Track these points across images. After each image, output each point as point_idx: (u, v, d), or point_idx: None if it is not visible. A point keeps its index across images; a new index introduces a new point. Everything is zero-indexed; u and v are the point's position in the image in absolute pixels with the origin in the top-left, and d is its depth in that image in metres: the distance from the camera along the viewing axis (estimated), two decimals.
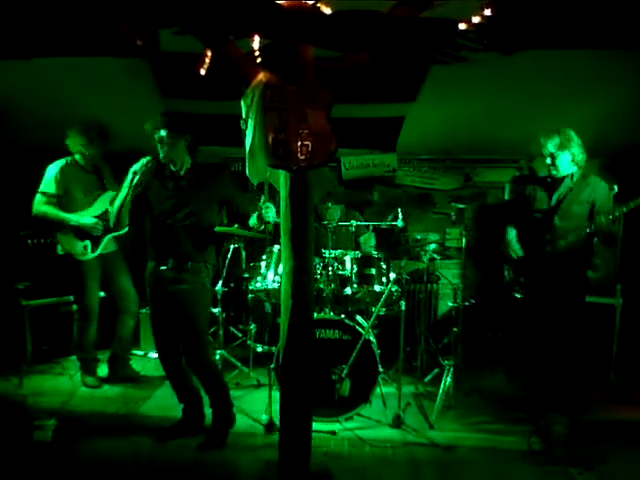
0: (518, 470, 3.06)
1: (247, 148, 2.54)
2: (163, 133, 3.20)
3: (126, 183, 3.26)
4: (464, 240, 4.27)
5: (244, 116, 2.56)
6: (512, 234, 3.90)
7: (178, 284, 3.25)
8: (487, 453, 3.28)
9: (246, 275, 4.65)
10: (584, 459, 3.11)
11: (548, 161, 3.60)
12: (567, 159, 3.57)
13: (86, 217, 4.09)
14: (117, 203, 3.35)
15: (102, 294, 4.50)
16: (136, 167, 3.25)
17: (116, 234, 4.20)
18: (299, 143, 2.46)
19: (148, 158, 3.26)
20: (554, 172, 3.62)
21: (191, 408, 3.50)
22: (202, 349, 3.38)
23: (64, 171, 4.08)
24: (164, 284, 3.28)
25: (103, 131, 4.13)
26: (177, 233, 3.27)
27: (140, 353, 5.27)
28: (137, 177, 3.23)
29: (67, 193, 4.08)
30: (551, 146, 3.56)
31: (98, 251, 4.16)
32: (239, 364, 4.60)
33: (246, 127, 2.54)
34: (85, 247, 4.11)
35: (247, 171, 2.63)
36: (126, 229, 3.95)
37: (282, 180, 2.60)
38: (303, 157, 2.46)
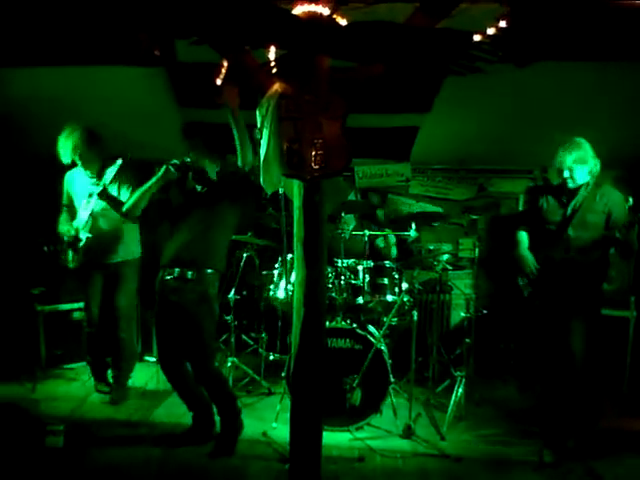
0: None
1: (261, 157, 2.57)
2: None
3: (159, 174, 3.30)
4: (477, 250, 4.27)
5: (259, 126, 2.59)
6: (524, 246, 3.85)
7: (181, 294, 3.27)
8: (498, 465, 3.26)
9: (259, 283, 4.66)
10: (596, 472, 3.08)
11: (566, 174, 3.57)
12: (585, 172, 3.54)
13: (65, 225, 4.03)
14: (142, 189, 3.37)
15: None
16: (174, 161, 3.29)
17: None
18: (313, 153, 2.47)
19: (187, 159, 3.31)
20: (571, 184, 3.59)
21: (201, 416, 3.51)
22: (206, 360, 3.39)
23: (67, 180, 4.07)
24: (167, 293, 3.32)
25: (93, 135, 3.90)
26: (190, 239, 3.30)
27: (152, 359, 5.29)
28: (170, 173, 3.29)
29: (70, 202, 4.08)
30: (570, 160, 3.54)
31: (77, 258, 4.01)
32: (251, 372, 4.60)
33: (261, 137, 2.56)
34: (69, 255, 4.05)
35: (261, 180, 2.65)
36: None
37: (296, 190, 2.61)
38: (317, 167, 2.48)
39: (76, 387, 4.22)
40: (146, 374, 4.89)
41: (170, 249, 3.36)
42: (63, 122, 3.76)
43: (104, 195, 3.79)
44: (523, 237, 3.85)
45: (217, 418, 3.51)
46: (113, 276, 4.11)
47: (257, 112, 2.61)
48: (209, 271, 3.31)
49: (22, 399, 4.11)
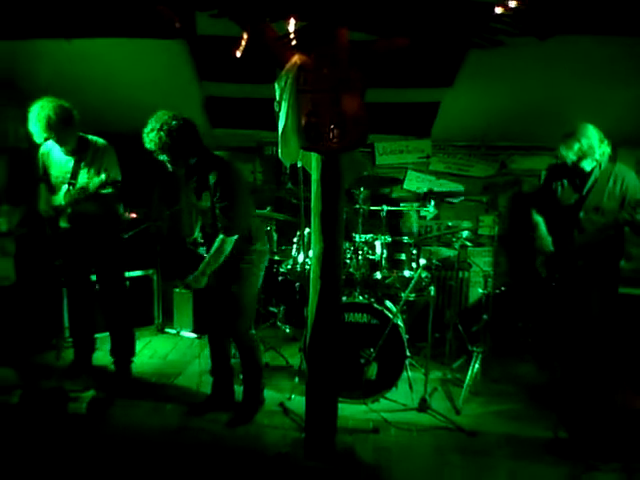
0: (543, 458, 3.05)
1: (280, 130, 2.58)
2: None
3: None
4: (497, 228, 4.24)
5: (277, 98, 2.60)
6: (542, 227, 3.86)
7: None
8: (512, 440, 3.28)
9: (277, 257, 4.70)
10: (610, 449, 3.08)
11: (572, 166, 3.58)
12: (591, 161, 3.57)
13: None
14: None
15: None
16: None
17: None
18: (331, 126, 2.48)
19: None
20: (581, 168, 3.60)
21: (221, 384, 3.60)
22: (242, 321, 3.42)
23: (43, 151, 3.81)
24: None
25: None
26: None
27: (173, 331, 5.39)
28: None
29: (47, 175, 3.86)
30: (572, 155, 3.56)
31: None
32: (269, 345, 4.67)
33: (279, 109, 2.57)
34: None
35: (279, 153, 2.66)
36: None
37: (314, 163, 2.63)
38: (335, 140, 2.49)
39: (99, 356, 4.30)
40: (167, 345, 5.01)
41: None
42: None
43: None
44: (539, 219, 3.86)
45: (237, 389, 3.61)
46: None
47: (276, 85, 2.61)
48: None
49: (46, 367, 4.23)
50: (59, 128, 3.47)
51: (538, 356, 4.77)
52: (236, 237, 3.19)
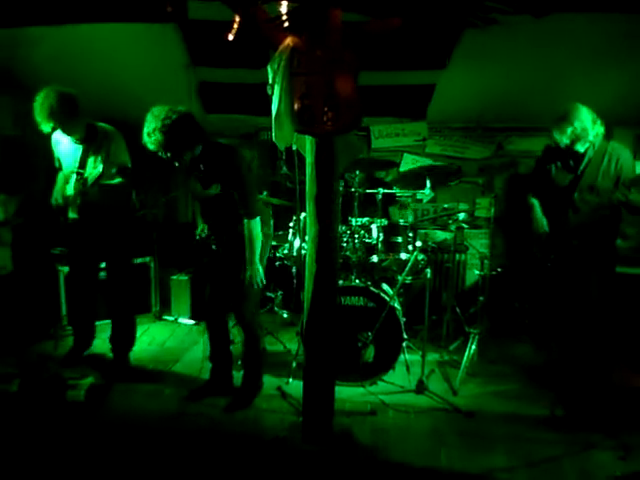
0: (540, 436, 3.07)
1: (273, 113, 2.56)
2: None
3: None
4: (493, 210, 4.24)
5: (270, 81, 2.57)
6: (537, 209, 3.86)
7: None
8: (509, 420, 3.30)
9: (273, 242, 4.68)
10: (607, 427, 3.11)
11: (565, 148, 3.57)
12: (584, 142, 3.54)
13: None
14: None
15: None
16: None
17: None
18: (325, 109, 2.47)
19: None
20: (575, 150, 3.59)
21: (220, 369, 3.62)
22: (249, 306, 3.45)
23: (54, 141, 3.79)
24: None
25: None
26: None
27: (171, 318, 5.40)
28: None
29: (61, 165, 3.85)
30: (565, 139, 3.53)
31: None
32: (266, 330, 4.68)
33: (272, 92, 2.55)
34: None
35: (273, 136, 2.65)
36: None
37: (308, 146, 2.61)
38: (329, 123, 2.47)
39: (97, 344, 4.31)
40: (165, 332, 5.02)
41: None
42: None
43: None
44: (534, 201, 3.87)
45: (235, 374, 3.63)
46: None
47: (269, 67, 2.59)
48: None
49: (45, 356, 4.24)
50: (63, 117, 3.43)
51: (535, 336, 4.80)
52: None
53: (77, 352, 4.13)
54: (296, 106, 2.49)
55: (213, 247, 3.39)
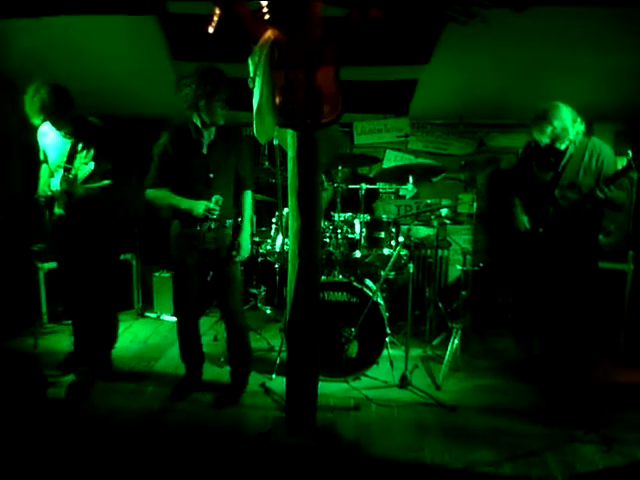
0: (523, 430, 3.08)
1: (254, 107, 2.54)
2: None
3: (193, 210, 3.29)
4: (475, 205, 4.25)
5: (251, 74, 2.55)
6: (518, 207, 3.88)
7: (220, 242, 3.39)
8: (492, 413, 3.31)
9: (256, 239, 4.67)
10: (589, 421, 3.13)
11: (546, 142, 3.59)
12: (565, 141, 3.57)
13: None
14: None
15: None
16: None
17: None
18: (307, 102, 2.45)
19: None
20: (556, 148, 3.61)
21: (194, 366, 3.63)
22: (241, 306, 3.57)
23: (40, 134, 3.68)
24: (205, 243, 3.37)
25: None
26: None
27: (153, 315, 5.37)
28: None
29: (46, 158, 3.74)
30: (545, 138, 3.55)
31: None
32: (250, 326, 4.65)
33: (253, 86, 2.53)
34: None
35: (254, 130, 2.63)
36: None
37: (289, 140, 2.60)
38: (311, 116, 2.46)
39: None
40: (148, 329, 4.98)
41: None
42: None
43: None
44: (516, 199, 3.90)
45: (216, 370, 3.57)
46: None
47: (249, 61, 2.57)
48: (230, 221, 3.43)
49: (24, 354, 4.18)
50: (53, 111, 3.38)
51: (517, 331, 4.83)
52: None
53: (77, 357, 3.93)
54: (277, 100, 2.47)
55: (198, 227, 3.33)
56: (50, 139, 3.63)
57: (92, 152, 3.55)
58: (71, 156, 3.55)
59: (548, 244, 3.67)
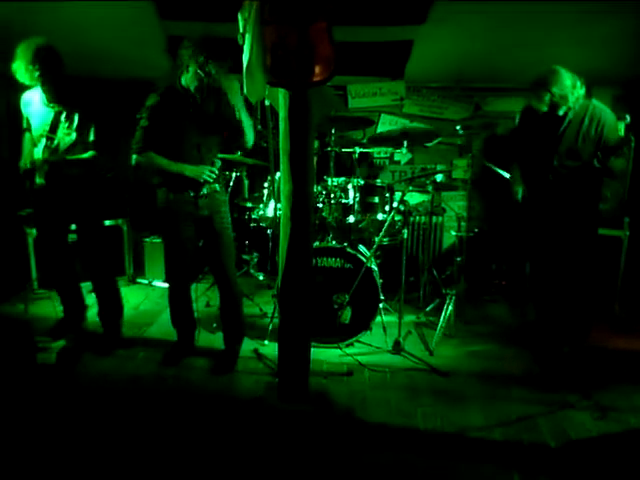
0: (516, 396, 3.08)
1: (245, 65, 2.45)
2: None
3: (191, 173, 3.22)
4: (470, 171, 4.19)
5: (241, 30, 2.45)
6: (516, 174, 3.81)
7: (212, 208, 3.31)
8: (485, 378, 3.31)
9: (249, 204, 4.59)
10: (583, 387, 3.13)
11: (545, 110, 3.48)
12: (564, 107, 3.45)
13: None
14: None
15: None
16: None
17: None
18: (298, 60, 2.36)
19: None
20: (554, 114, 3.51)
21: (186, 332, 3.61)
22: (234, 274, 3.48)
23: (24, 101, 3.54)
24: (197, 210, 3.29)
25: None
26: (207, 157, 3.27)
27: (145, 281, 5.33)
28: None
29: (29, 126, 3.57)
30: (544, 106, 3.45)
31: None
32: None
33: (243, 42, 2.43)
34: None
35: (245, 89, 2.54)
36: None
37: (281, 100, 2.52)
38: (302, 74, 2.37)
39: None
40: (139, 295, 4.95)
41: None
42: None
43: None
44: (515, 169, 3.83)
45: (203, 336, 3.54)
46: None
47: (239, 16, 2.47)
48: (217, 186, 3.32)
49: (14, 320, 4.13)
50: (46, 63, 3.26)
51: (511, 298, 4.82)
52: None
53: (67, 323, 3.91)
54: (268, 57, 2.37)
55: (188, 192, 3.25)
56: (34, 107, 3.51)
57: (76, 122, 3.44)
58: (54, 125, 3.44)
59: (548, 211, 3.60)
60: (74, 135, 3.42)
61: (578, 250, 3.58)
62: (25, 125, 3.58)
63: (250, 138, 3.27)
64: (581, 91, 3.42)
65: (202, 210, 3.27)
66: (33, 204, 3.70)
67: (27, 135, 3.58)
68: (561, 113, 3.48)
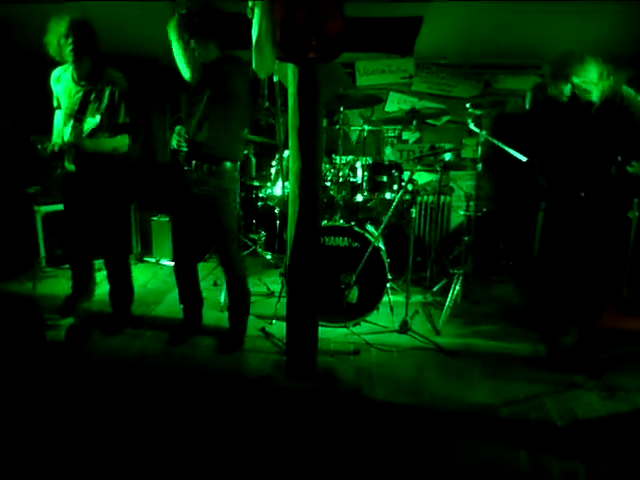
0: (523, 375, 3.08)
1: (254, 39, 2.40)
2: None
3: None
4: (480, 150, 4.15)
5: (250, 4, 2.40)
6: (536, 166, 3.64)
7: (204, 186, 3.22)
8: (492, 358, 3.31)
9: (256, 183, 4.56)
10: (591, 368, 3.12)
11: (564, 100, 3.18)
12: (588, 97, 3.14)
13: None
14: None
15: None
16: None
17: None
18: (308, 34, 2.32)
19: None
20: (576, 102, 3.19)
21: (193, 310, 3.61)
22: (232, 251, 3.38)
23: (53, 78, 3.48)
24: (189, 186, 3.25)
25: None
26: (208, 134, 3.18)
27: (152, 260, 5.34)
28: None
29: (59, 104, 3.48)
30: (564, 97, 3.15)
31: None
32: (249, 272, 4.62)
33: (252, 15, 2.38)
34: None
35: (254, 64, 2.50)
36: None
37: (290, 75, 2.48)
38: (312, 49, 2.33)
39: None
40: (147, 274, 4.96)
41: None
42: (45, 19, 3.42)
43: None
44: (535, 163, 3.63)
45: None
46: None
47: None
48: (228, 164, 3.21)
49: (23, 297, 4.16)
50: (80, 37, 3.20)
51: (519, 278, 4.80)
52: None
53: (75, 299, 3.88)
54: (278, 32, 2.33)
55: (185, 167, 3.19)
56: (63, 84, 3.42)
57: (105, 102, 3.33)
58: (83, 105, 3.33)
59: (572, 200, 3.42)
60: (97, 118, 3.30)
61: (603, 233, 3.41)
62: (55, 104, 3.49)
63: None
64: (608, 82, 3.10)
65: (193, 186, 3.22)
66: (62, 189, 3.59)
67: (57, 113, 3.49)
68: (586, 102, 3.14)
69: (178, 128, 3.14)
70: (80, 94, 3.34)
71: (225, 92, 3.08)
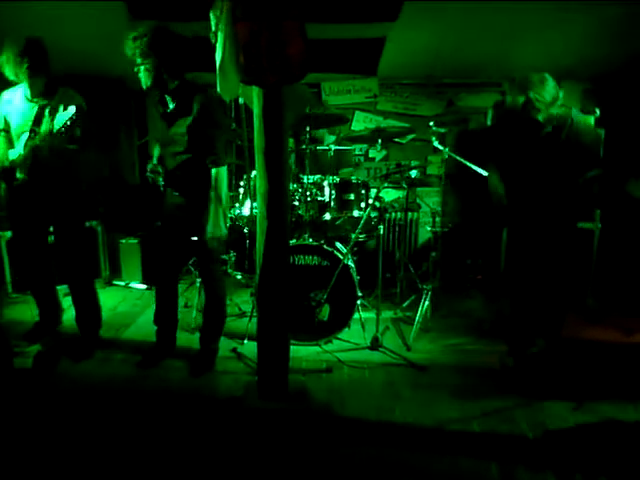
0: (492, 388, 3.13)
1: (217, 63, 2.44)
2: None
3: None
4: (444, 167, 4.23)
5: (214, 29, 2.44)
6: (494, 179, 3.74)
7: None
8: (462, 372, 3.35)
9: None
10: (558, 378, 3.18)
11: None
12: (543, 113, 3.26)
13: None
14: None
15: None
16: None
17: None
18: (271, 57, 2.36)
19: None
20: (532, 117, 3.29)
21: (167, 332, 3.57)
22: (219, 274, 3.44)
23: (3, 99, 3.46)
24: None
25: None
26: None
27: (122, 283, 5.28)
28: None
29: (7, 126, 3.47)
30: (517, 106, 3.22)
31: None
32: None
33: (216, 41, 2.42)
34: None
35: (218, 88, 2.53)
36: None
37: (255, 98, 2.51)
38: (276, 72, 2.37)
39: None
40: (116, 297, 4.90)
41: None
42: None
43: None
44: (492, 167, 3.73)
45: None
46: None
47: (211, 14, 2.46)
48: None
49: None
50: (35, 56, 3.21)
51: (487, 291, 4.87)
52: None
53: (43, 326, 3.84)
54: (241, 55, 2.37)
55: (161, 188, 3.21)
56: (15, 105, 3.41)
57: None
58: (38, 119, 3.33)
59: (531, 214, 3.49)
60: (62, 116, 3.24)
61: (561, 244, 3.55)
62: (2, 126, 3.47)
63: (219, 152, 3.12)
64: (559, 110, 3.27)
65: (170, 211, 3.26)
66: (10, 203, 3.56)
67: (2, 135, 3.46)
68: (540, 119, 3.28)
69: (151, 165, 3.16)
70: (35, 109, 3.35)
71: (205, 120, 3.06)
